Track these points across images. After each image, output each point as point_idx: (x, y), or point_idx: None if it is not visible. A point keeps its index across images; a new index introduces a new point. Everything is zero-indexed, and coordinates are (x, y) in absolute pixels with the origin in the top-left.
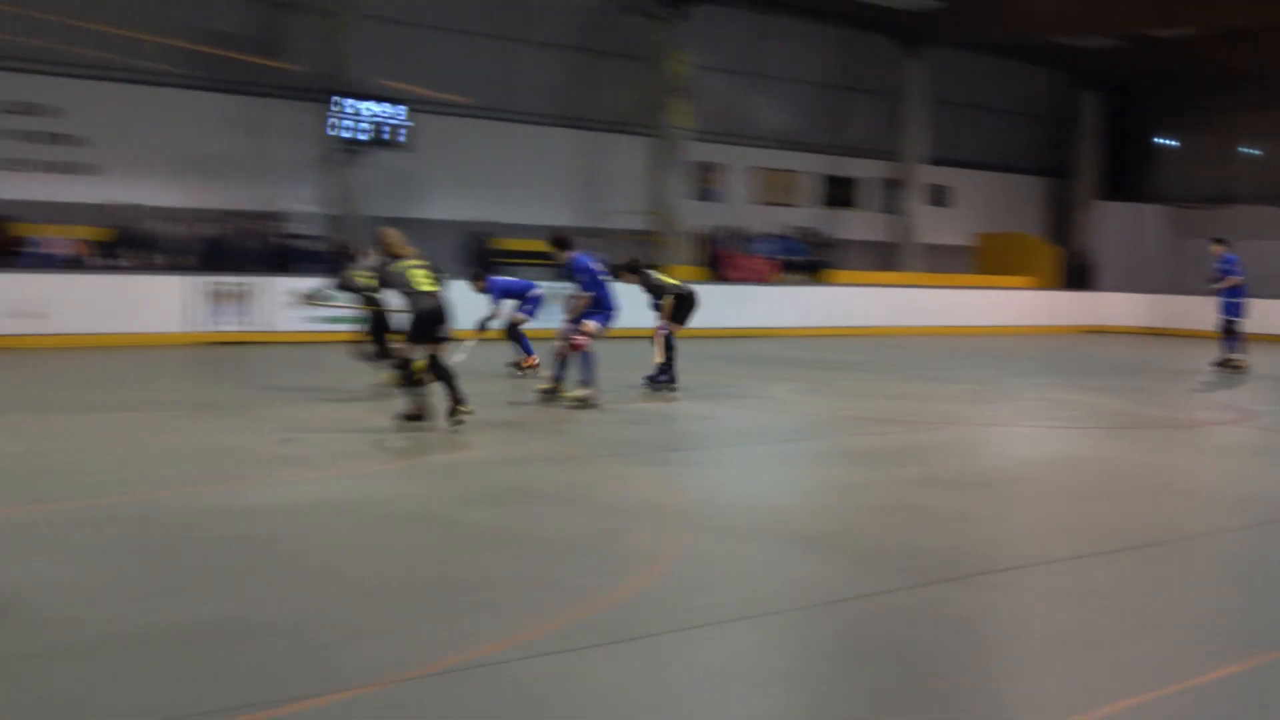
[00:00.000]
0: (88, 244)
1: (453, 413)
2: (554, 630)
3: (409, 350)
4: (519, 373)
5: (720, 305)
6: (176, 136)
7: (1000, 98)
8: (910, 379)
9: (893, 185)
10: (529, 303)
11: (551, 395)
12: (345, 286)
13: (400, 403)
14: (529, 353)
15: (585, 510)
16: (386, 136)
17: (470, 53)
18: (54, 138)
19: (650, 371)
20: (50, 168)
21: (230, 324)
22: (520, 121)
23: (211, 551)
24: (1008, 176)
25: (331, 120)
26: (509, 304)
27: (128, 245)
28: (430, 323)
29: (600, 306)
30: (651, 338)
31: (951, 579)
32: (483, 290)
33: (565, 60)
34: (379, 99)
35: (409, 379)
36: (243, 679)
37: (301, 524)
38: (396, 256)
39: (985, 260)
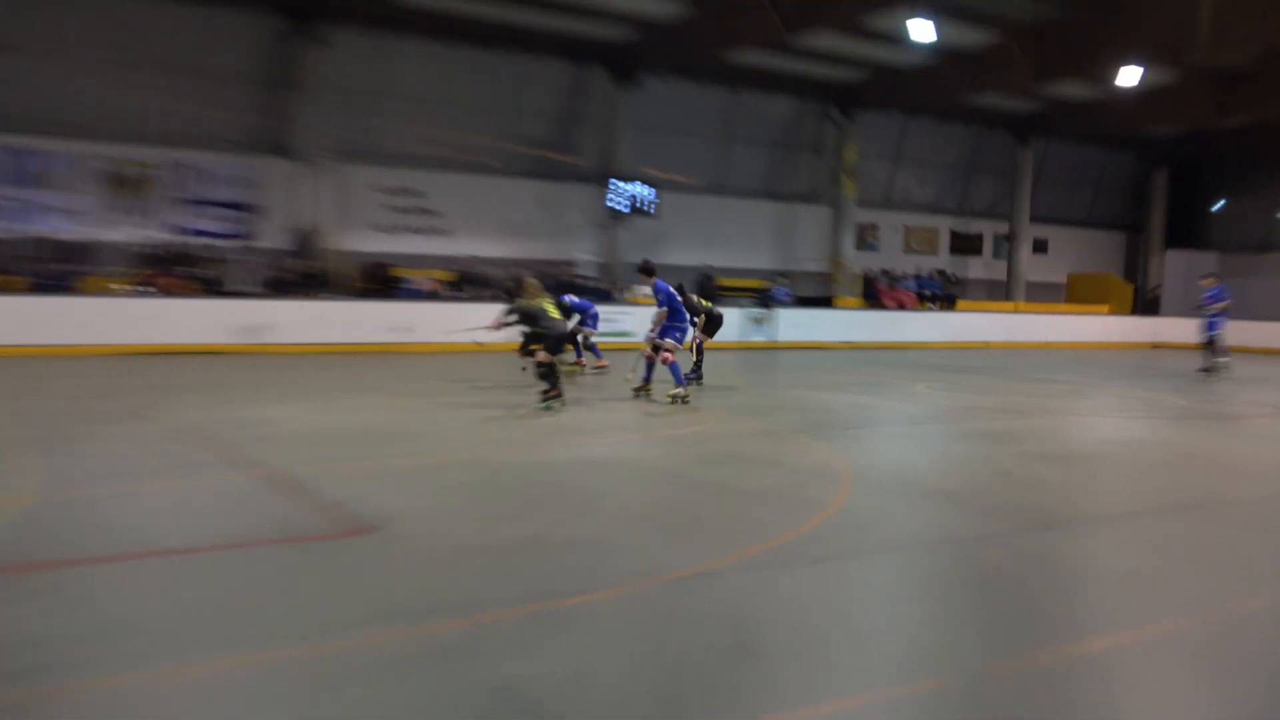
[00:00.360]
0: (440, 282)
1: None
2: (755, 554)
3: (546, 356)
4: (585, 372)
5: (876, 326)
6: (500, 208)
7: (1090, 173)
8: (1018, 380)
9: (1005, 238)
10: (590, 319)
11: (639, 393)
12: (513, 312)
13: (540, 389)
14: (579, 355)
15: (777, 470)
16: (641, 207)
17: (699, 148)
18: (421, 211)
19: (686, 370)
20: (418, 230)
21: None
22: (734, 196)
23: (522, 491)
24: (1094, 231)
25: (608, 196)
26: (575, 318)
27: (466, 283)
28: (560, 339)
29: (676, 321)
30: (689, 346)
31: (1047, 526)
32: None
33: (766, 152)
34: (638, 181)
35: (547, 374)
36: (545, 578)
37: (581, 474)
38: (535, 297)
39: (1075, 294)
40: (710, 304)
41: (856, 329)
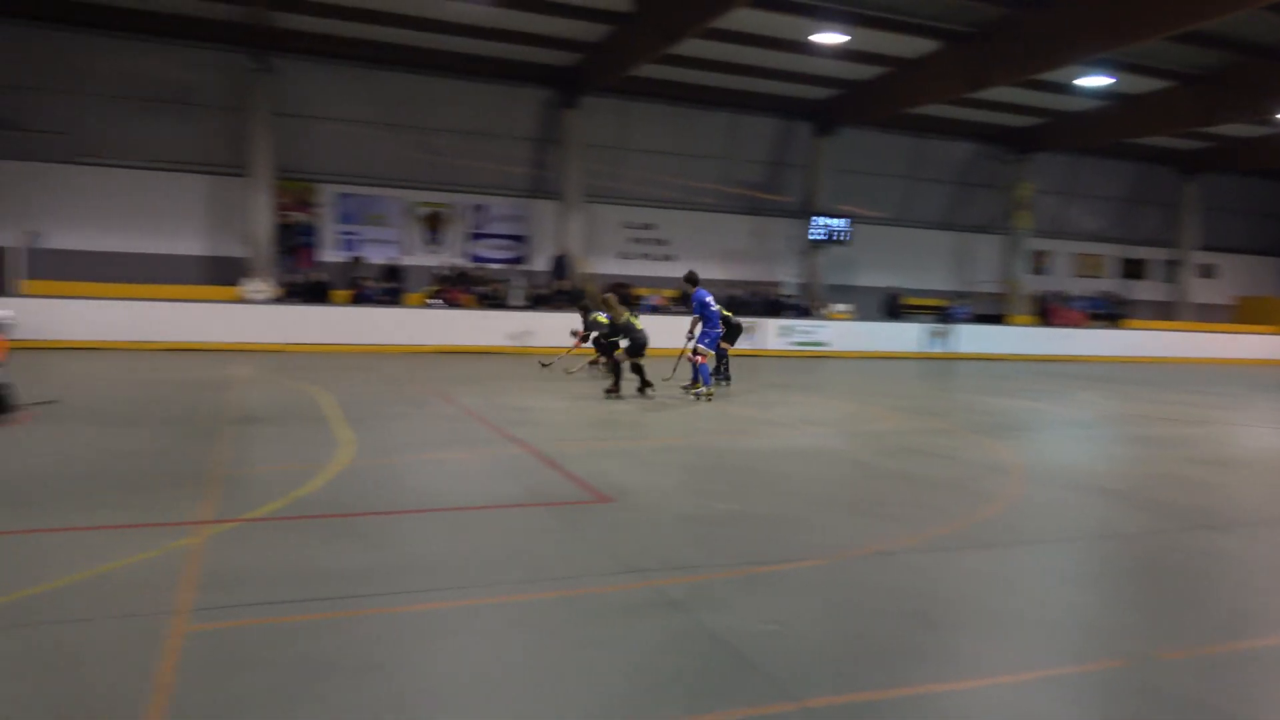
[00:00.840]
0: (666, 299)
1: (643, 389)
2: (933, 537)
3: (625, 356)
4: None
5: (1047, 341)
6: (718, 238)
7: (1253, 203)
8: (1180, 392)
9: (1171, 264)
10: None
11: (698, 396)
12: (590, 326)
13: (608, 385)
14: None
15: (953, 464)
16: (836, 238)
17: (888, 186)
18: (654, 241)
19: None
20: (650, 257)
21: (745, 344)
22: (918, 226)
23: (729, 473)
24: (1263, 258)
25: (809, 228)
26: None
27: (686, 301)
28: (641, 345)
29: (709, 328)
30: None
31: (1210, 526)
32: (583, 312)
33: (947, 188)
34: (834, 215)
35: (618, 374)
36: (751, 547)
37: (779, 460)
38: (615, 309)
39: (1244, 316)
40: (730, 314)
41: (1029, 343)
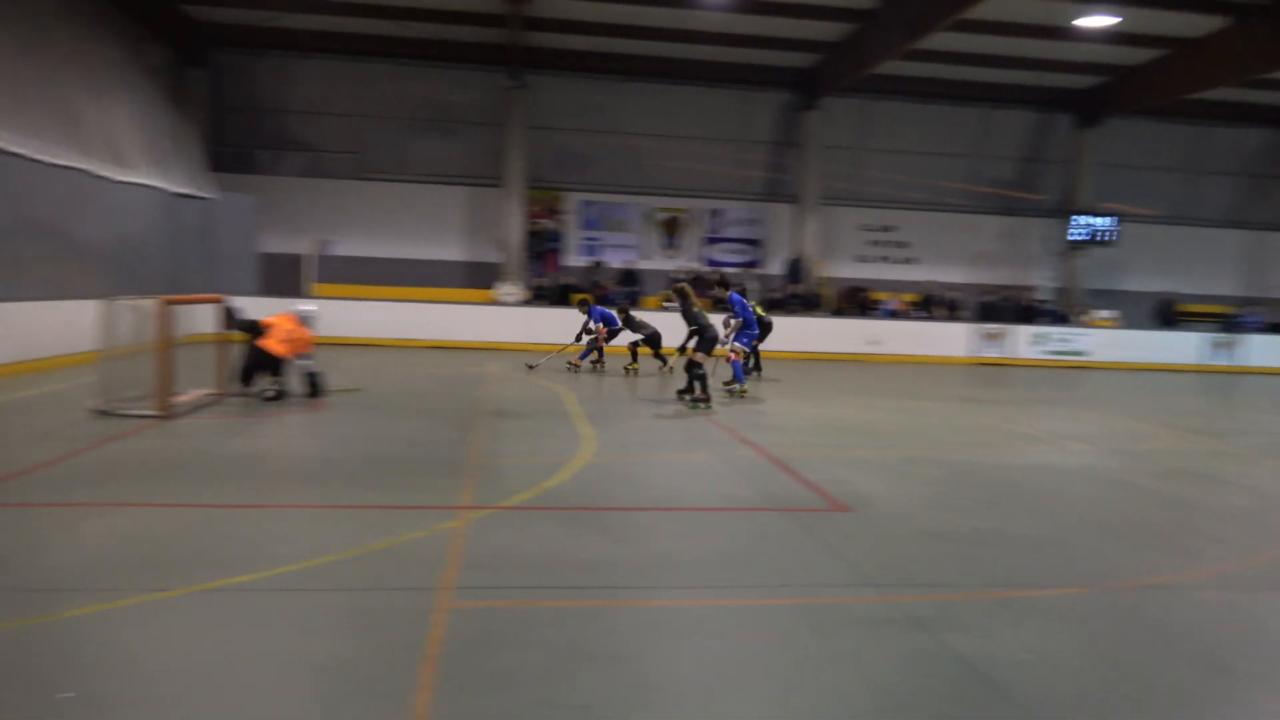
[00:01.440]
0: (906, 304)
1: (693, 395)
2: (1220, 572)
3: (702, 356)
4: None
5: None
6: (963, 240)
7: None
8: None
9: None
10: (614, 329)
11: (732, 393)
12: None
13: (692, 388)
14: (584, 358)
15: (1238, 491)
16: (1100, 238)
17: (1161, 181)
18: (894, 244)
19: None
20: (890, 260)
21: (993, 352)
22: (1197, 225)
23: (979, 488)
24: None
25: (1069, 228)
26: (600, 326)
27: (930, 305)
28: (713, 342)
29: (747, 329)
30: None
31: None
32: (585, 312)
33: (1234, 181)
34: (1096, 214)
35: (699, 376)
36: (1005, 569)
37: (1035, 477)
38: (693, 300)
39: None
40: (764, 313)
41: None
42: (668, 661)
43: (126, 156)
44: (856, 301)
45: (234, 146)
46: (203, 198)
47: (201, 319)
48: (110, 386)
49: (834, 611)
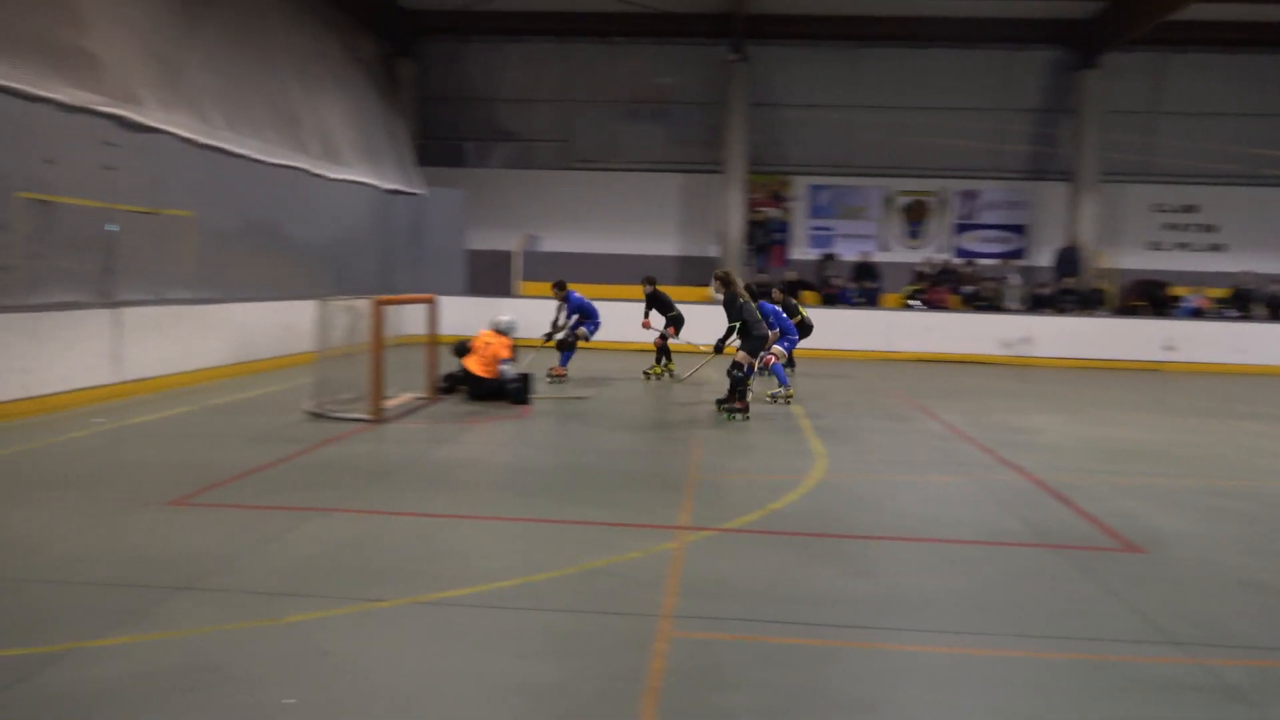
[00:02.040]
0: (1211, 300)
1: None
2: None
3: (745, 358)
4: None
5: None
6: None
7: None
8: None
9: None
10: (591, 324)
11: (776, 399)
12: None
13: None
14: (563, 364)
15: None
16: None
17: None
18: (1197, 227)
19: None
20: (1191, 247)
21: None
22: None
23: None
24: None
25: None
26: (574, 319)
27: (1245, 301)
28: (763, 340)
29: (787, 335)
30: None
31: None
32: (562, 299)
33: None
34: None
35: (741, 381)
36: None
37: None
38: (740, 289)
39: None
40: (805, 314)
41: None
42: (916, 714)
43: (341, 153)
44: (1148, 298)
45: (441, 139)
46: (412, 194)
47: (411, 319)
48: (324, 388)
49: (1120, 671)
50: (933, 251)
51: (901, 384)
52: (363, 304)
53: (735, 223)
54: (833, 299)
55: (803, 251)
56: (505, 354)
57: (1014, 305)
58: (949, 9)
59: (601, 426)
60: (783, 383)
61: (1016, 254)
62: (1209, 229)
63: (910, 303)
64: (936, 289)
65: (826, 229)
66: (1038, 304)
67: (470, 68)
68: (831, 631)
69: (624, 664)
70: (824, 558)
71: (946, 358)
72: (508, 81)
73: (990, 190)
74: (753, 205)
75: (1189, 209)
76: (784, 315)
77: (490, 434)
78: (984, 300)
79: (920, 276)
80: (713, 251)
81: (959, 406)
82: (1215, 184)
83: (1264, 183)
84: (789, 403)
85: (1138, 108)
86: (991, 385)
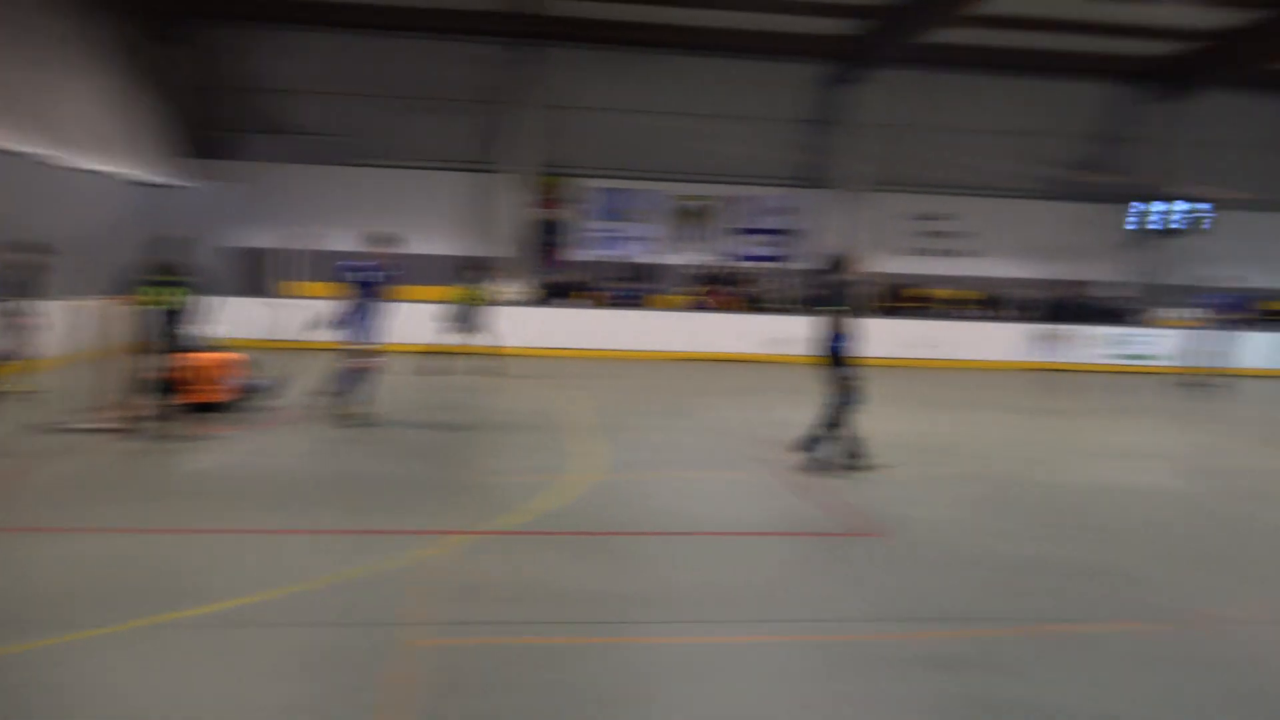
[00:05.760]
0: (962, 302)
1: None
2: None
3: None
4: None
5: None
6: (1029, 230)
7: None
8: None
9: None
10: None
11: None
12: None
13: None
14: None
15: None
16: (1186, 225)
17: (1259, 162)
18: (949, 234)
19: None
20: (950, 253)
21: (1049, 356)
22: None
23: (1031, 509)
24: None
25: (1149, 215)
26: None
27: (992, 303)
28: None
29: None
30: None
31: None
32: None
33: None
34: (1182, 199)
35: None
36: (1048, 601)
37: (1095, 497)
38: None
39: None
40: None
41: None
42: (666, 708)
43: (93, 142)
44: (905, 299)
45: (214, 130)
46: (174, 185)
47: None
48: (61, 397)
49: (853, 650)
50: (710, 255)
51: (678, 383)
52: (99, 304)
53: (517, 223)
54: (612, 300)
55: (586, 252)
56: (230, 369)
57: (785, 306)
58: (730, 21)
59: (368, 434)
60: (352, 396)
61: (787, 257)
62: (964, 236)
63: (688, 304)
64: (713, 291)
65: (608, 231)
66: (806, 304)
67: (251, 57)
68: (592, 629)
69: (370, 678)
70: (591, 555)
71: (722, 357)
72: (290, 72)
73: (767, 196)
74: (536, 206)
75: (945, 217)
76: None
77: (241, 444)
78: (758, 301)
79: (698, 279)
80: (496, 252)
81: (732, 404)
82: (969, 195)
83: (1010, 194)
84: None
85: (899, 122)
86: (764, 383)
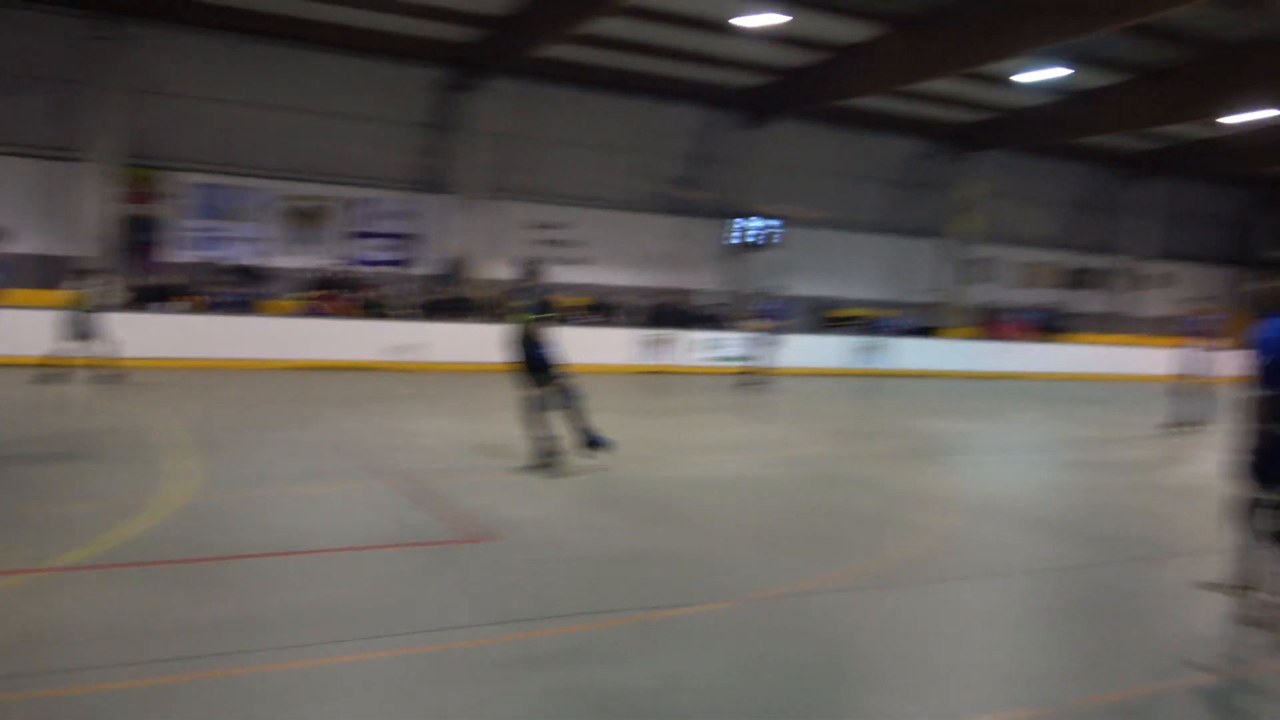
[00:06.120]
0: (578, 308)
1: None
2: (853, 574)
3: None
4: None
5: (986, 356)
6: (637, 241)
7: (1205, 209)
8: (1125, 412)
9: (1121, 273)
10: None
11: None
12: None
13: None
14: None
15: (880, 494)
16: (765, 240)
17: (824, 185)
18: (565, 243)
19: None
20: (563, 261)
21: (659, 359)
22: (855, 230)
23: (638, 505)
24: (1211, 267)
25: (736, 230)
26: None
27: (601, 309)
28: None
29: None
30: None
31: (1143, 559)
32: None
33: (887, 189)
34: (765, 216)
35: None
36: (650, 590)
37: (695, 491)
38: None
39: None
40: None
41: (967, 358)
42: None
43: None
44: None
45: None
46: None
47: None
48: None
49: (460, 657)
50: (326, 258)
51: (290, 393)
52: None
53: (102, 219)
54: (216, 305)
55: (185, 253)
56: None
57: (406, 312)
58: (347, 18)
59: None
60: None
61: (406, 263)
62: (577, 245)
63: (303, 309)
64: (329, 296)
65: (212, 230)
66: (429, 311)
67: None
68: (176, 666)
69: None
70: (181, 585)
71: (339, 365)
72: None
73: (384, 200)
74: (126, 200)
75: (560, 226)
76: None
77: None
78: (377, 307)
79: (313, 283)
80: (79, 251)
81: (348, 414)
82: (581, 206)
83: (618, 207)
84: None
85: (516, 132)
86: (383, 391)
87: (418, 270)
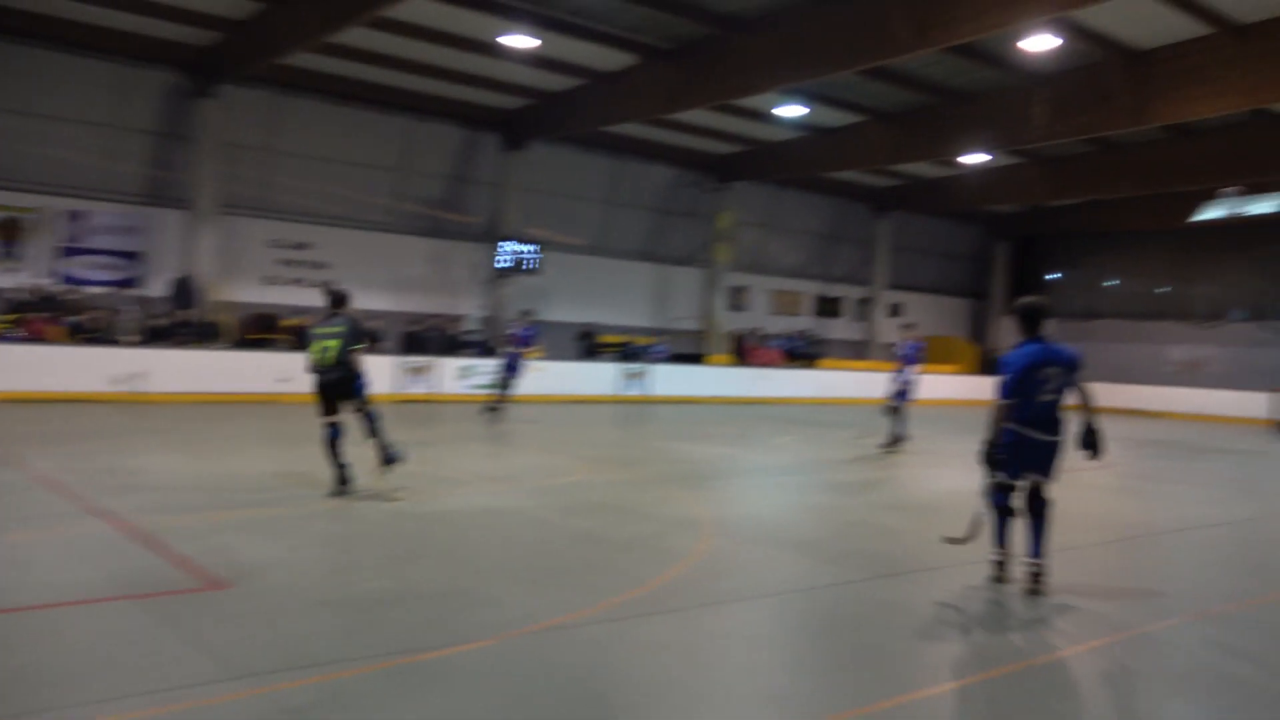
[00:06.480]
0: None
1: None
2: (616, 604)
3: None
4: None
5: (744, 382)
6: (391, 264)
7: (939, 244)
8: (873, 435)
9: (864, 302)
10: None
11: None
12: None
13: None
14: None
15: (641, 520)
16: (526, 266)
17: (584, 211)
18: (310, 264)
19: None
20: (306, 282)
21: (419, 388)
22: (615, 257)
23: (388, 542)
24: (945, 298)
25: (496, 255)
26: None
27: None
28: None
29: None
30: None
31: (894, 574)
32: None
33: (646, 216)
34: (524, 240)
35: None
36: (405, 632)
37: (450, 524)
38: None
39: (931, 355)
40: None
41: (726, 385)
42: None
43: None
44: (266, 330)
45: None
46: None
47: None
48: None
49: (205, 714)
50: (31, 276)
51: None
52: None
53: None
54: None
55: None
56: None
57: (127, 337)
58: (67, 11)
59: None
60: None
61: (130, 283)
62: (321, 266)
63: (5, 334)
64: (35, 318)
65: None
66: (153, 336)
67: None
68: None
69: None
70: None
71: (46, 396)
72: None
73: (102, 213)
74: None
75: (303, 246)
76: None
77: None
78: (93, 332)
79: (15, 304)
80: None
81: (55, 451)
82: (327, 224)
83: (369, 227)
84: None
85: (256, 144)
86: (99, 426)
87: (146, 291)
